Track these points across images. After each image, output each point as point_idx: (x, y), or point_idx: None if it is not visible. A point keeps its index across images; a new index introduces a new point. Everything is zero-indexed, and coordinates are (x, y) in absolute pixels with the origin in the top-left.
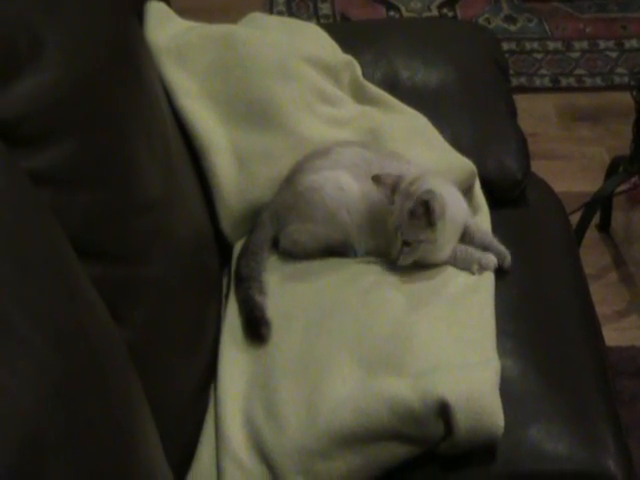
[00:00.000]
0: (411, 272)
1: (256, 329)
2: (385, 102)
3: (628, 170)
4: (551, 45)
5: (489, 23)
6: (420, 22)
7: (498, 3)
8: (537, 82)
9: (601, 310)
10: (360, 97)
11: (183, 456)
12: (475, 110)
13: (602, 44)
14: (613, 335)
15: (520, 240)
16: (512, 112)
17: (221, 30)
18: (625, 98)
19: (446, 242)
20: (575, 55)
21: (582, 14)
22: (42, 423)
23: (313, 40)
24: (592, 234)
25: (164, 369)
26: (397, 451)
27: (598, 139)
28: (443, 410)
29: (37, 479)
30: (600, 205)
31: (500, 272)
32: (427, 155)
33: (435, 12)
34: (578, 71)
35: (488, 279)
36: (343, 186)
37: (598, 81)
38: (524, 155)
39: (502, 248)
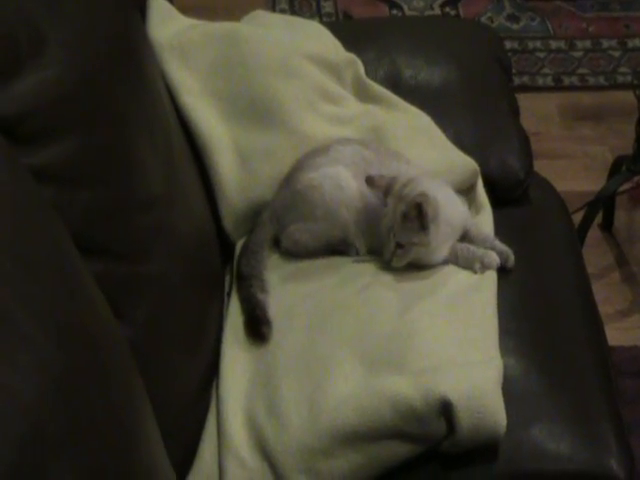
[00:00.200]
0: (413, 271)
1: (257, 328)
2: (388, 100)
3: (631, 169)
4: (554, 44)
5: (492, 22)
6: (423, 20)
7: (501, 2)
8: (540, 81)
9: (604, 309)
10: (363, 95)
11: (185, 454)
12: (477, 109)
13: (605, 43)
14: (616, 335)
15: (522, 239)
16: (515, 111)
17: (224, 28)
18: (628, 97)
19: (440, 245)
20: (578, 54)
21: (585, 13)
22: (43, 419)
23: (316, 38)
24: (595, 233)
25: (166, 367)
26: (399, 450)
27: (601, 138)
28: (445, 409)
29: (38, 475)
30: (603, 204)
31: (502, 271)
32: (429, 154)
33: (438, 10)
34: (581, 70)
35: (490, 278)
36: (342, 183)
37: (601, 80)
38: (526, 154)
39: (505, 247)
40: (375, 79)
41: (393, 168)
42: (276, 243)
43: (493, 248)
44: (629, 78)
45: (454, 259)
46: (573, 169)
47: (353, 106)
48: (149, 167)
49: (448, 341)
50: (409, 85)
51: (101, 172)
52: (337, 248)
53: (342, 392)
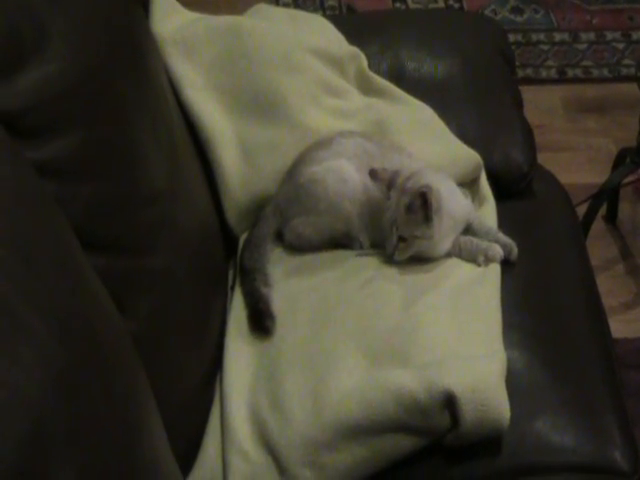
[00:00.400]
0: (416, 264)
1: (261, 322)
2: (391, 94)
3: (635, 161)
4: (558, 36)
5: (495, 14)
6: (426, 13)
7: None
8: (543, 73)
9: (607, 302)
10: (366, 89)
11: (189, 448)
12: (481, 102)
13: (609, 35)
14: (619, 327)
15: (526, 232)
16: (518, 104)
17: (227, 22)
18: (632, 89)
19: (443, 238)
20: (582, 46)
21: (589, 5)
22: (46, 414)
23: (319, 32)
24: (599, 226)
25: (169, 361)
26: (403, 443)
27: (605, 130)
28: (449, 401)
29: (40, 472)
30: (607, 197)
31: (506, 264)
32: (433, 147)
33: (441, 3)
34: (585, 62)
35: (494, 271)
36: (345, 176)
37: (605, 72)
38: (530, 147)
39: (508, 240)
40: (378, 72)
41: (395, 161)
42: (279, 237)
43: (497, 241)
44: (633, 70)
45: (458, 252)
46: (577, 161)
47: (356, 100)
48: (152, 161)
49: (452, 334)
50: (412, 78)
51: (104, 166)
52: (341, 242)
53: (346, 386)
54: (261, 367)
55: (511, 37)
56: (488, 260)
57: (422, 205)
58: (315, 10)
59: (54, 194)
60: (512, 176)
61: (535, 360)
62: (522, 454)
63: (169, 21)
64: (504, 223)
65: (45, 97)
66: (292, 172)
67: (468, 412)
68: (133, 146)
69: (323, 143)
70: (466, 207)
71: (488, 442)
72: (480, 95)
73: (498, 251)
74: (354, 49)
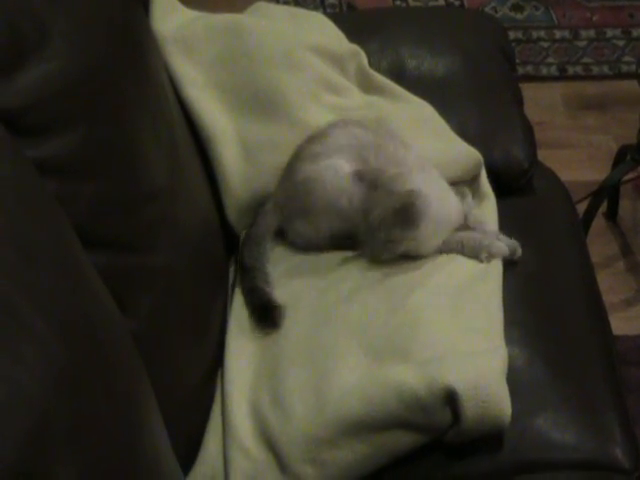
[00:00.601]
0: (418, 261)
1: (268, 315)
2: (391, 91)
3: (635, 158)
4: (558, 34)
5: (496, 12)
6: (427, 11)
7: None
8: (544, 71)
9: (608, 299)
10: (366, 86)
11: (190, 445)
12: (481, 99)
13: (609, 32)
14: (620, 324)
15: (527, 229)
16: (519, 101)
17: (227, 20)
18: (632, 86)
19: (431, 238)
20: (582, 43)
21: (589, 2)
22: (47, 412)
23: (319, 29)
24: (599, 223)
25: (170, 359)
26: (404, 439)
27: (605, 128)
28: (450, 398)
29: (42, 469)
30: (607, 194)
31: (507, 261)
32: (433, 144)
33: (441, 1)
34: (585, 60)
35: (496, 268)
36: (341, 173)
37: (605, 69)
38: (530, 144)
39: (511, 241)
40: (379, 70)
41: (390, 150)
42: (280, 234)
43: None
44: (633, 67)
45: (460, 248)
46: (577, 158)
47: (357, 97)
48: (152, 159)
49: (453, 331)
50: (413, 76)
51: (104, 165)
52: (342, 242)
53: (347, 382)
54: (262, 364)
55: (511, 34)
56: (492, 256)
57: (409, 211)
58: (315, 8)
59: (55, 192)
60: (512, 173)
61: (536, 357)
62: (523, 451)
63: (169, 19)
64: (504, 220)
65: (45, 95)
66: (289, 168)
67: (469, 409)
68: (133, 144)
69: (316, 137)
70: (455, 207)
71: (489, 439)
72: (480, 92)
73: (502, 247)
74: (354, 47)
